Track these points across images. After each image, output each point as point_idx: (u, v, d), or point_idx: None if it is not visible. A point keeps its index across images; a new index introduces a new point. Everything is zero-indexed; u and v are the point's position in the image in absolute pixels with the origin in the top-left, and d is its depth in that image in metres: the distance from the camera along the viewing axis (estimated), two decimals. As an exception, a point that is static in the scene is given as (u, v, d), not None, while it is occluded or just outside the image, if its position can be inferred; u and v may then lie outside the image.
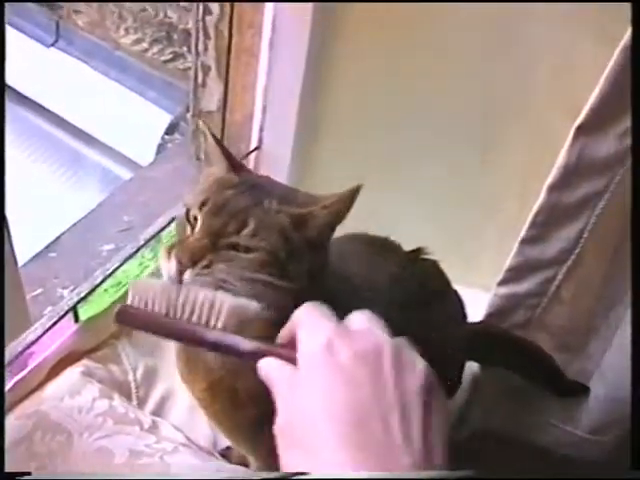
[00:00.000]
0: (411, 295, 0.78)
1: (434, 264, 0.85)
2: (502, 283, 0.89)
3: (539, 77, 0.95)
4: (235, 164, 0.67)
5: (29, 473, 0.55)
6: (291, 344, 0.50)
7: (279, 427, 0.47)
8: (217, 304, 0.55)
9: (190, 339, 0.55)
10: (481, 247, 1.07)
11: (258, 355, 0.51)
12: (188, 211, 0.62)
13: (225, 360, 0.66)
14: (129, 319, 0.57)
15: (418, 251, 0.84)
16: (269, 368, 0.50)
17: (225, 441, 0.93)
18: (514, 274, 0.87)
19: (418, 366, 0.47)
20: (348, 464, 0.41)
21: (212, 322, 0.54)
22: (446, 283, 0.86)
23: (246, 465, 0.84)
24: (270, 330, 0.54)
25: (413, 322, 0.61)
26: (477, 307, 0.90)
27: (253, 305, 0.56)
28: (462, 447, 1.01)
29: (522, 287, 0.88)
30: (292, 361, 0.49)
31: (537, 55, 0.93)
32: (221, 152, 0.66)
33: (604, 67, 0.74)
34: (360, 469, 0.41)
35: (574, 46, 0.89)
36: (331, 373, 0.45)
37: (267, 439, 0.52)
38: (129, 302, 0.57)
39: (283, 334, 0.52)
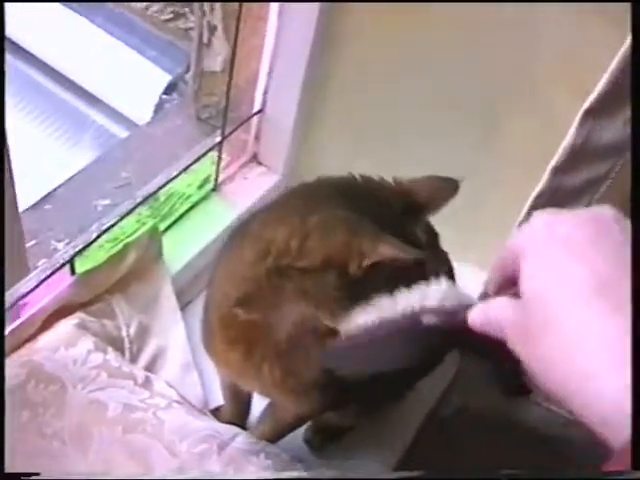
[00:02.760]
0: None
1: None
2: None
3: (546, 58, 0.95)
4: None
5: (38, 474, 0.54)
6: None
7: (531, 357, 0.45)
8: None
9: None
10: (479, 226, 1.07)
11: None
12: None
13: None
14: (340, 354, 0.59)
15: None
16: (486, 310, 0.51)
17: (216, 401, 0.93)
18: None
19: None
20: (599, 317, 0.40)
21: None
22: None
23: (238, 425, 0.85)
24: None
25: None
26: (473, 284, 0.91)
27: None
28: (446, 425, 1.03)
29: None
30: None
31: (544, 36, 0.93)
32: None
33: (613, 49, 0.74)
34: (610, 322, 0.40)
35: (582, 27, 0.88)
36: (554, 246, 0.44)
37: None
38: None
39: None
